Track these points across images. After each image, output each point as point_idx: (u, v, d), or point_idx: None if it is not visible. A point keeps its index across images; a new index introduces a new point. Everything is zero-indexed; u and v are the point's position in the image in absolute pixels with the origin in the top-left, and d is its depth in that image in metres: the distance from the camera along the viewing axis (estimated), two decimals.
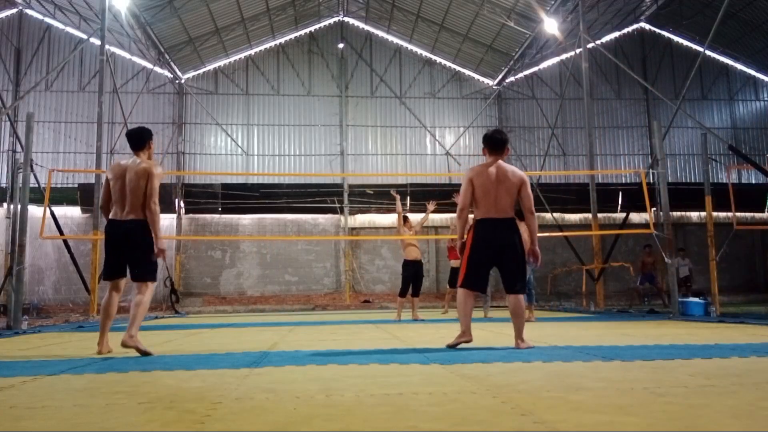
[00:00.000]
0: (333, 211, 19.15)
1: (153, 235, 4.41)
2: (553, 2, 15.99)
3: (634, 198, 14.11)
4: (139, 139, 4.63)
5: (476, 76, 20.79)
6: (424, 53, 20.76)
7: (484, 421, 1.92)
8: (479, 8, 17.50)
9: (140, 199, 4.40)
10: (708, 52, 19.91)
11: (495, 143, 4.51)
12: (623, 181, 20.23)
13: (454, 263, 10.90)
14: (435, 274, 19.20)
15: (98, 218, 11.02)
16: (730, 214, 10.22)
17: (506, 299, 4.44)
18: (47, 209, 8.97)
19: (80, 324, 9.11)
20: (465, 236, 4.57)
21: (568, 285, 18.60)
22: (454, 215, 18.37)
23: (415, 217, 11.30)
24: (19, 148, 15.17)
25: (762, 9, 18.01)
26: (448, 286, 11.89)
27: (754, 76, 21.47)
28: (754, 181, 20.15)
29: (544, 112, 20.26)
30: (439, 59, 20.74)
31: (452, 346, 4.37)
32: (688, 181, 20.47)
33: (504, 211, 4.33)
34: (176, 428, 1.88)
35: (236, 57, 20.01)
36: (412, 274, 9.41)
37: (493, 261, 4.40)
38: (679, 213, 19.19)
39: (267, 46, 20.22)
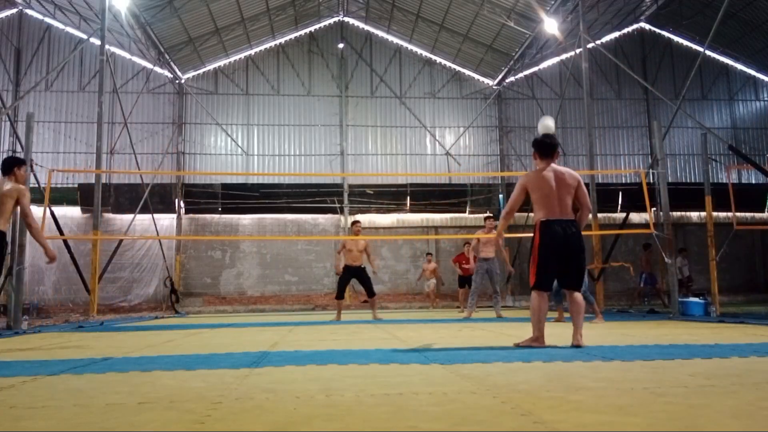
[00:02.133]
0: (333, 211, 19.15)
1: (41, 245, 5.44)
2: (553, 2, 15.98)
3: (634, 198, 14.11)
4: (6, 166, 5.33)
5: (476, 76, 20.80)
6: (424, 53, 20.76)
7: (484, 421, 1.92)
8: (479, 8, 17.50)
9: (3, 216, 5.18)
10: (708, 52, 19.91)
11: (546, 147, 4.56)
12: (623, 181, 20.23)
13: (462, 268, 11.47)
14: None
15: (98, 218, 11.02)
16: (730, 214, 10.22)
17: (568, 298, 4.55)
18: (47, 209, 8.97)
19: (80, 324, 9.11)
20: (503, 234, 4.66)
21: None
22: (453, 215, 18.36)
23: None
24: (19, 148, 15.17)
25: (762, 9, 18.01)
26: (459, 289, 12.42)
27: (754, 76, 21.47)
28: (754, 181, 20.16)
29: (544, 112, 20.24)
30: (439, 59, 20.74)
31: (519, 346, 4.45)
32: (688, 181, 20.47)
33: (567, 213, 4.43)
34: (176, 428, 1.88)
35: (236, 57, 20.01)
36: (352, 276, 9.56)
37: (561, 259, 4.43)
38: (679, 213, 19.18)
39: (267, 46, 20.22)
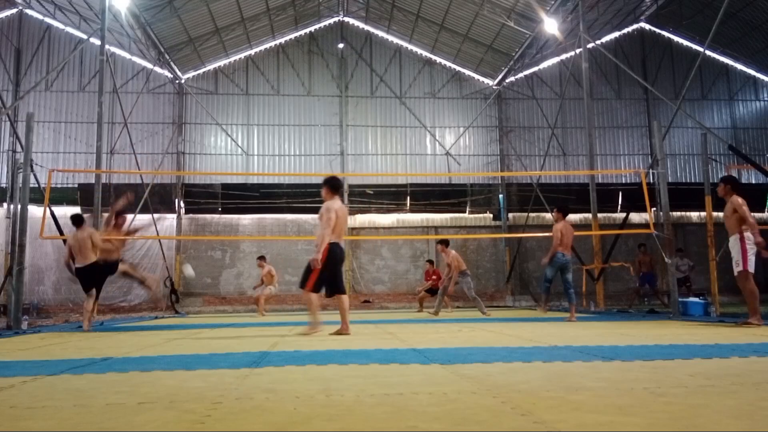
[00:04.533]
0: None
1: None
2: (553, 2, 15.98)
3: (634, 198, 14.12)
4: (76, 222, 7.81)
5: (476, 76, 20.79)
6: (424, 53, 20.75)
7: (484, 421, 1.92)
8: (479, 8, 17.50)
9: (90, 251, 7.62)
10: (708, 52, 19.90)
11: (338, 186, 6.38)
12: (623, 181, 20.23)
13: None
14: None
15: (98, 218, 11.02)
16: None
17: (337, 299, 6.09)
18: (47, 209, 8.97)
19: (80, 324, 9.10)
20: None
21: None
22: (453, 215, 18.64)
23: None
24: (19, 148, 15.17)
25: (762, 9, 18.01)
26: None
27: (754, 76, 21.46)
28: (754, 181, 20.15)
29: (544, 112, 20.25)
30: (439, 59, 20.73)
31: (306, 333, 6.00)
32: (688, 181, 20.47)
33: (342, 237, 6.14)
34: (176, 428, 1.88)
35: (236, 57, 20.00)
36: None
37: (335, 271, 6.04)
38: (679, 213, 19.18)
39: (267, 46, 20.21)
